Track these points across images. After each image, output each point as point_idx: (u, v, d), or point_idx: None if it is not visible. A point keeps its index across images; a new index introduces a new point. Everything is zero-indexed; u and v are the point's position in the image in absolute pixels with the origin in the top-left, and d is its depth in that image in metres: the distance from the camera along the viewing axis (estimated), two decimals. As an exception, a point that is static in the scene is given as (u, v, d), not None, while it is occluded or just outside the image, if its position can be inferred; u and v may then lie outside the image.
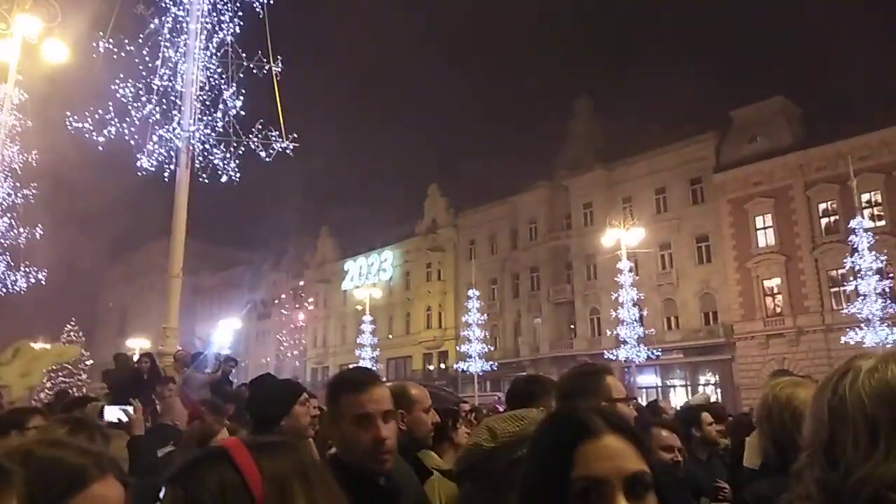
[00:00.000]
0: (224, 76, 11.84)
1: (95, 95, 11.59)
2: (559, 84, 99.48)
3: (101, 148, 11.01)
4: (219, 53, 11.90)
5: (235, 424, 4.32)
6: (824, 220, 34.10)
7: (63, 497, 1.10)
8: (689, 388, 36.85)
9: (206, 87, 11.71)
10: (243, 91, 11.95)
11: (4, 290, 15.07)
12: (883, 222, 31.41)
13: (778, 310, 35.20)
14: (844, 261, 28.01)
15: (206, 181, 11.51)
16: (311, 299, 59.57)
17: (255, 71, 11.92)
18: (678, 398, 33.56)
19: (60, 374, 49.47)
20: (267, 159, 11.67)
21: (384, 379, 2.60)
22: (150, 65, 11.46)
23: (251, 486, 0.95)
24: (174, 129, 11.27)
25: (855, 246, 27.18)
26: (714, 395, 35.04)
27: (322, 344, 61.18)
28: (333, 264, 60.62)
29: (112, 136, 10.99)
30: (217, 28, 11.96)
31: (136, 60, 11.44)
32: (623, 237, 31.28)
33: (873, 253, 26.80)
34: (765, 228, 36.02)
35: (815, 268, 33.81)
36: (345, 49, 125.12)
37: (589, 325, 42.58)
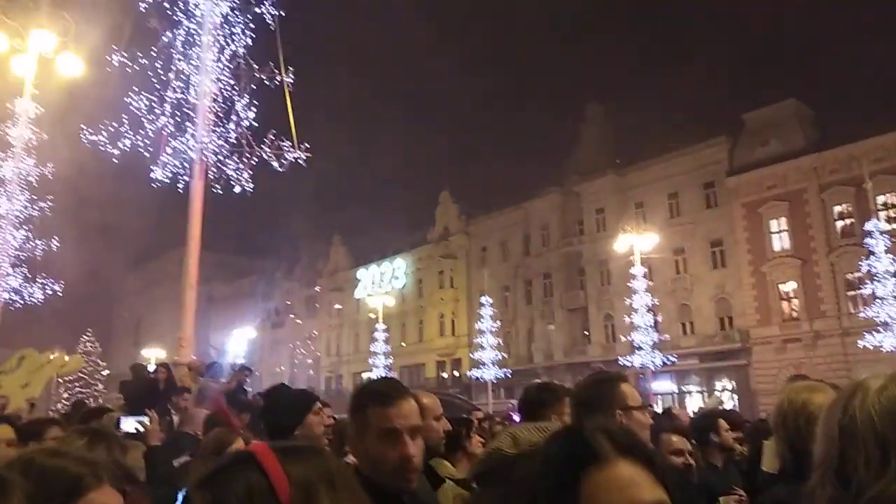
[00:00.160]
0: (236, 88, 11.95)
1: (110, 108, 11.74)
2: (571, 89, 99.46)
3: (115, 161, 11.14)
4: (231, 65, 12.02)
5: (250, 434, 4.33)
6: (840, 223, 33.80)
7: None
8: (706, 395, 36.55)
9: (219, 99, 11.83)
10: (255, 102, 12.07)
11: (21, 302, 15.23)
12: (900, 224, 31.05)
13: (794, 314, 34.89)
14: (861, 264, 27.73)
15: (220, 192, 11.60)
16: (336, 306, 59.74)
17: (266, 83, 12.02)
18: (694, 404, 33.32)
19: (77, 384, 49.84)
20: (280, 169, 11.76)
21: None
22: (163, 77, 11.59)
23: (278, 490, 0.95)
24: (188, 140, 11.39)
25: (871, 249, 26.92)
26: (731, 401, 34.84)
27: (336, 352, 61.29)
28: (346, 272, 60.79)
29: (127, 149, 11.11)
30: (229, 40, 12.09)
31: (150, 73, 11.58)
32: (636, 242, 31.15)
33: (890, 255, 26.51)
34: (779, 232, 35.75)
35: (831, 271, 33.49)
36: (356, 56, 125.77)
37: (603, 331, 42.39)
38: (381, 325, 46.87)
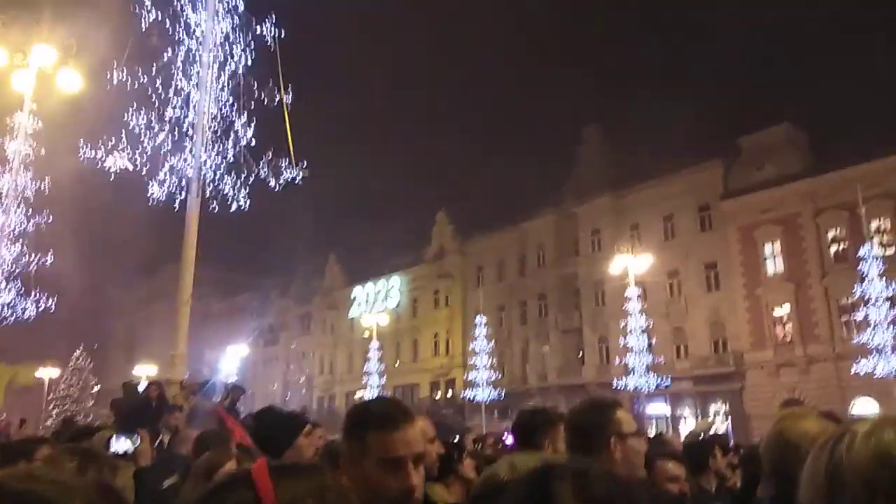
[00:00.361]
0: (235, 106, 12.02)
1: (108, 124, 11.78)
2: (567, 110, 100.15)
3: (112, 178, 11.16)
4: (231, 84, 12.10)
5: (244, 455, 4.30)
6: (833, 248, 33.93)
7: None
8: (700, 418, 36.42)
9: (218, 118, 11.88)
10: (254, 120, 12.13)
11: (14, 316, 15.16)
12: (893, 249, 31.16)
13: (788, 338, 34.89)
14: (854, 289, 27.79)
15: (217, 210, 11.62)
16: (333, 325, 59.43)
17: (265, 102, 12.10)
18: (688, 428, 33.18)
19: (67, 400, 49.45)
20: (276, 189, 11.79)
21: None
22: (163, 95, 11.65)
23: None
24: (186, 158, 11.42)
25: (864, 274, 27.02)
26: (725, 425, 34.74)
27: (329, 371, 60.97)
28: (341, 291, 60.68)
29: (124, 166, 11.14)
30: (230, 59, 12.17)
31: (150, 91, 11.64)
32: (631, 264, 31.21)
33: (883, 280, 26.60)
34: (774, 256, 35.86)
35: (824, 296, 33.56)
36: (353, 76, 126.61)
37: (597, 352, 42.30)
38: (375, 344, 46.71)
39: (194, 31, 12.02)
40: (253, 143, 12.03)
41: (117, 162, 11.13)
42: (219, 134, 11.87)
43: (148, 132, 11.41)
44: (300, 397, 57.87)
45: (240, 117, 11.91)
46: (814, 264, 34.12)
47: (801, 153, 36.49)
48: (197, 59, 12.04)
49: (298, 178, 11.96)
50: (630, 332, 32.64)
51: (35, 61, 13.87)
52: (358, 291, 58.60)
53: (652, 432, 30.11)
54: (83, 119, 14.00)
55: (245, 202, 11.83)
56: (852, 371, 27.32)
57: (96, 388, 53.18)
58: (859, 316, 27.62)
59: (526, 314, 46.90)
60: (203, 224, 11.79)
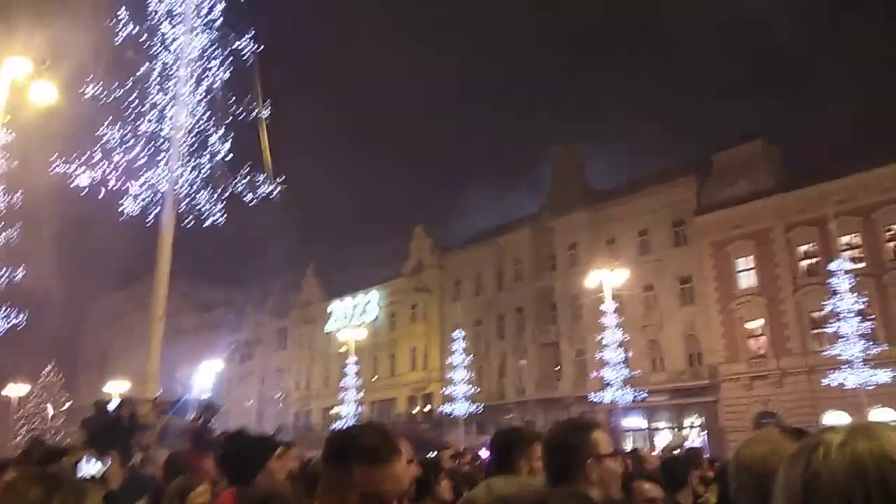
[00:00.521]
0: (212, 120, 11.95)
1: (83, 137, 11.64)
2: (545, 126, 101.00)
3: (85, 192, 11.01)
4: (207, 98, 12.03)
5: (218, 477, 4.23)
6: (805, 262, 34.47)
7: None
8: (676, 431, 36.65)
9: (194, 132, 11.80)
10: (231, 134, 12.07)
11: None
12: (863, 264, 31.78)
13: (761, 351, 35.31)
14: (825, 302, 28.26)
15: (192, 225, 11.51)
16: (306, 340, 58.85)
17: (242, 116, 12.04)
18: (664, 441, 33.34)
19: (35, 420, 48.37)
20: (251, 203, 11.72)
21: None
22: (138, 109, 11.55)
23: None
24: (160, 173, 11.31)
25: (835, 288, 27.48)
26: (700, 438, 34.98)
27: (305, 386, 60.35)
28: (318, 305, 60.24)
29: (97, 180, 11.00)
30: (206, 73, 12.11)
31: (125, 104, 11.53)
32: (607, 278, 31.42)
33: (854, 294, 27.08)
34: (746, 270, 36.34)
35: (796, 309, 34.05)
36: (332, 91, 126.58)
37: (574, 366, 42.40)
38: (352, 359, 46.34)
39: (171, 45, 11.96)
40: (229, 158, 11.97)
41: (91, 176, 10.99)
42: (195, 148, 11.80)
43: (123, 145, 11.30)
44: (276, 413, 57.16)
45: (216, 131, 11.85)
46: (786, 279, 34.63)
47: (774, 169, 37.09)
48: (173, 72, 11.96)
49: (275, 193, 11.91)
50: (606, 345, 32.80)
51: (7, 73, 13.67)
52: (335, 305, 58.22)
53: (629, 446, 30.26)
54: (57, 132, 13.81)
55: (221, 216, 11.75)
56: (824, 383, 27.73)
57: (67, 405, 52.06)
58: (830, 329, 28.07)
59: (503, 328, 46.93)
60: (178, 237, 11.68)
